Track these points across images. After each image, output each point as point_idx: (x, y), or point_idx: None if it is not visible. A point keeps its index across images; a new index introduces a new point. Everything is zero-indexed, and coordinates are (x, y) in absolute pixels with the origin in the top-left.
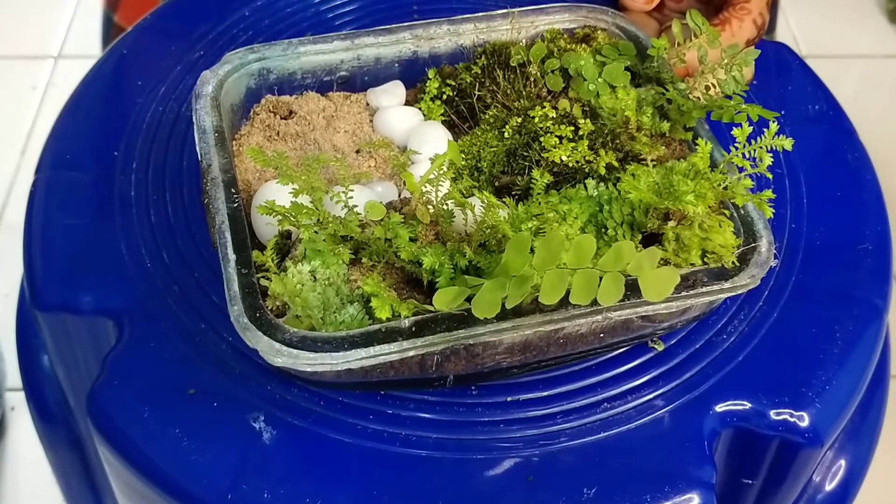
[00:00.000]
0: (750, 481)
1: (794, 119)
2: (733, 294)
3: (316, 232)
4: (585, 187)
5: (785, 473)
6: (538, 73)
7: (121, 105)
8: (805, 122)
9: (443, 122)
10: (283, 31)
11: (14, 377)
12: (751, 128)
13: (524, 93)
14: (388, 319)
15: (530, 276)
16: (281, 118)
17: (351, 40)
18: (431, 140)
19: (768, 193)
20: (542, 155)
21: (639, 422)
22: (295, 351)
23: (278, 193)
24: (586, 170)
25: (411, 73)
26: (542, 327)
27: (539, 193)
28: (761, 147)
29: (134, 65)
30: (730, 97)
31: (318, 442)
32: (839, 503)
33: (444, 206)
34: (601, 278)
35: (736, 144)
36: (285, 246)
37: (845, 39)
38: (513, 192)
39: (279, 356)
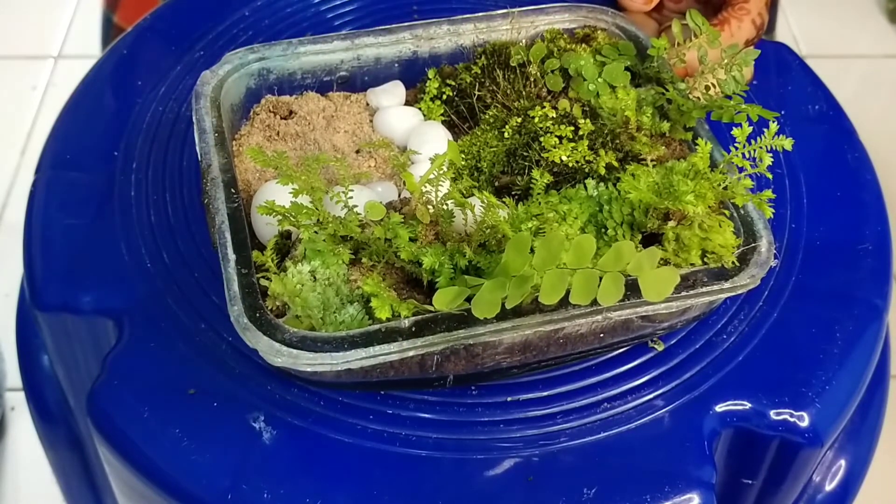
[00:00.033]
0: (750, 481)
1: (794, 119)
2: (733, 294)
3: (316, 232)
4: (585, 187)
5: (785, 473)
6: (538, 73)
7: (121, 105)
8: (805, 122)
9: (443, 122)
10: (283, 31)
11: (14, 377)
12: (751, 128)
13: (524, 93)
14: (388, 319)
15: (530, 276)
16: (281, 118)
17: (351, 40)
18: (431, 140)
19: (768, 193)
20: (542, 155)
21: (639, 422)
22: (295, 351)
23: (278, 193)
24: (586, 170)
25: (411, 73)
26: (542, 327)
27: (539, 193)
28: (761, 147)
29: (134, 65)
30: (730, 97)
31: (318, 442)
32: (839, 503)
33: (444, 206)
34: (601, 278)
35: (736, 144)
36: (285, 246)
37: (845, 39)
38: (513, 192)
39: (279, 356)
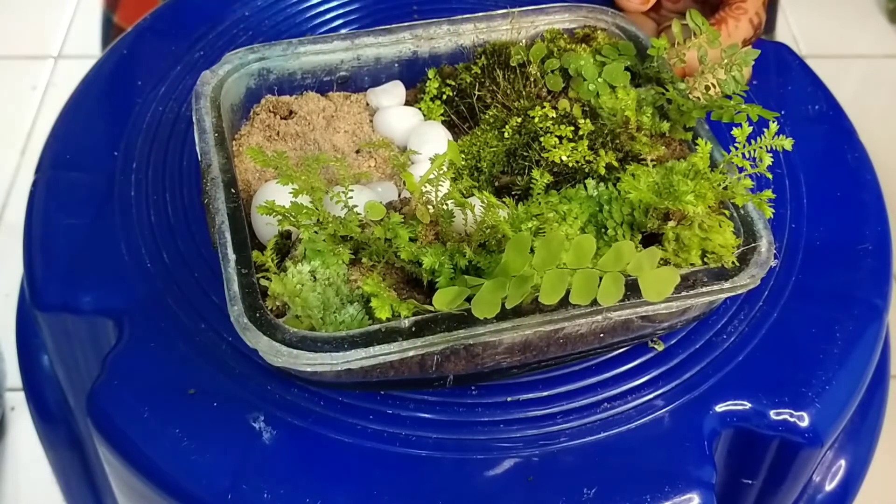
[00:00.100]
0: (750, 481)
1: (794, 119)
2: (733, 294)
3: (316, 232)
4: (585, 187)
5: (785, 473)
6: (538, 73)
7: (121, 105)
8: (805, 122)
9: (443, 122)
10: (283, 32)
11: (14, 377)
12: (751, 128)
13: (524, 93)
14: (388, 319)
15: (530, 276)
16: (281, 118)
17: (351, 40)
18: (431, 140)
19: (768, 193)
20: (542, 155)
21: (639, 422)
22: (295, 351)
23: (278, 193)
24: (586, 170)
25: (411, 73)
26: (542, 327)
27: (539, 193)
28: (761, 147)
29: (134, 65)
30: (730, 97)
31: (318, 442)
32: (839, 503)
33: (444, 206)
34: (601, 278)
35: (736, 144)
36: (285, 246)
37: (845, 39)
38: (513, 192)
39: (279, 356)
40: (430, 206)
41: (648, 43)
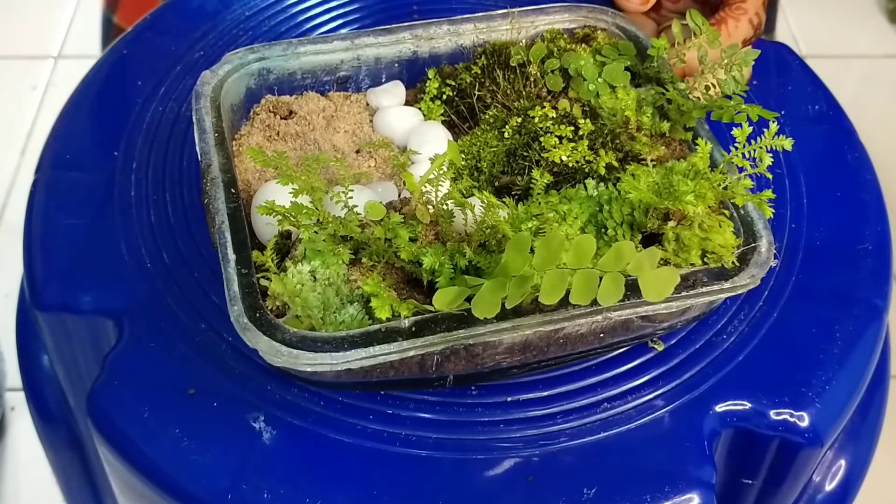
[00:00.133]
0: (750, 481)
1: (794, 119)
2: (733, 294)
3: (316, 232)
4: (585, 187)
5: (785, 473)
6: (538, 73)
7: (121, 105)
8: (805, 122)
9: (443, 122)
10: (284, 32)
11: (14, 377)
12: (751, 128)
13: (524, 93)
14: (388, 319)
15: (530, 276)
16: (281, 118)
17: (351, 40)
18: (431, 140)
19: (768, 193)
20: (542, 155)
21: (639, 422)
22: (295, 351)
23: (278, 193)
24: (586, 170)
25: (411, 73)
26: (542, 327)
27: (539, 193)
28: (761, 147)
29: (134, 65)
30: (730, 97)
31: (318, 442)
32: (839, 503)
33: (444, 206)
34: (601, 278)
35: (736, 144)
36: (285, 246)
37: (845, 39)
38: (513, 192)
39: (279, 356)
40: (430, 206)
41: (648, 43)
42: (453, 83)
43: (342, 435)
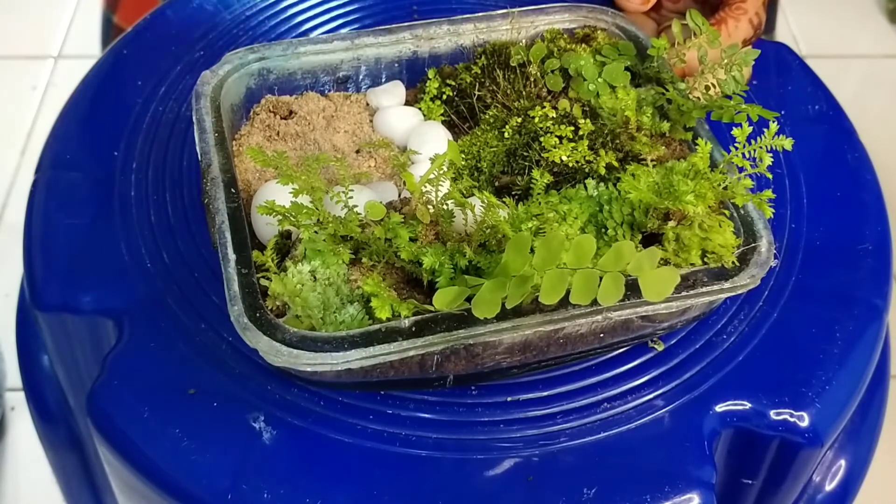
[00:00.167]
0: (750, 481)
1: (794, 119)
2: (733, 294)
3: (316, 232)
4: (585, 187)
5: (785, 473)
6: (538, 73)
7: (121, 105)
8: (805, 122)
9: (443, 122)
10: (284, 31)
11: (14, 377)
12: (751, 128)
13: (524, 93)
14: (388, 319)
15: (530, 276)
16: (281, 118)
17: (351, 40)
18: (431, 140)
19: (768, 193)
20: (542, 155)
21: (639, 422)
22: (295, 351)
23: (278, 193)
24: (586, 170)
25: (411, 73)
26: (542, 327)
27: (539, 193)
28: (761, 147)
29: (134, 65)
30: (730, 97)
31: (318, 442)
32: (839, 503)
33: (444, 206)
34: (601, 278)
35: (736, 144)
36: (285, 246)
37: (845, 39)
38: (513, 192)
39: (279, 356)
40: (430, 206)
41: (648, 43)
42: (453, 83)
43: (342, 435)
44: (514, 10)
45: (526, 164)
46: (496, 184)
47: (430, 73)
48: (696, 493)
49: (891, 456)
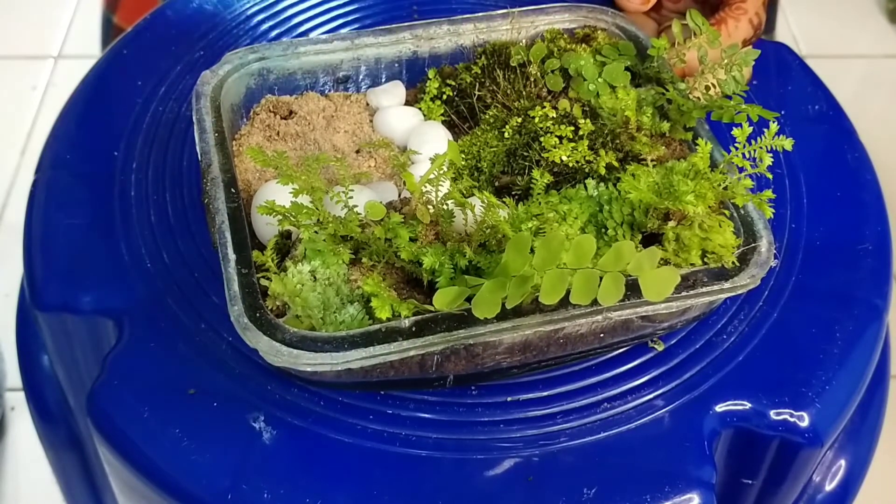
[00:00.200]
0: (750, 481)
1: (794, 119)
2: (733, 294)
3: (316, 232)
4: (585, 187)
5: (785, 473)
6: (538, 73)
7: (121, 105)
8: (805, 122)
9: (443, 122)
10: (284, 31)
11: (14, 377)
12: (751, 128)
13: (524, 93)
14: (388, 319)
15: (530, 276)
16: (281, 118)
17: (351, 40)
18: (431, 140)
19: (768, 193)
20: (542, 155)
21: (639, 422)
22: (295, 351)
23: (278, 193)
24: (586, 170)
25: (411, 73)
26: (542, 327)
27: (539, 193)
28: (761, 147)
29: (134, 65)
30: (730, 97)
31: (318, 442)
32: (839, 503)
33: (444, 206)
34: (601, 278)
35: (736, 144)
36: (285, 246)
37: (845, 39)
38: (513, 192)
39: (279, 356)
40: (430, 206)
41: (648, 43)
42: (453, 83)
43: (342, 435)
44: (514, 10)
45: (526, 164)
46: (496, 184)
47: (430, 73)
48: (696, 493)
49: (891, 456)
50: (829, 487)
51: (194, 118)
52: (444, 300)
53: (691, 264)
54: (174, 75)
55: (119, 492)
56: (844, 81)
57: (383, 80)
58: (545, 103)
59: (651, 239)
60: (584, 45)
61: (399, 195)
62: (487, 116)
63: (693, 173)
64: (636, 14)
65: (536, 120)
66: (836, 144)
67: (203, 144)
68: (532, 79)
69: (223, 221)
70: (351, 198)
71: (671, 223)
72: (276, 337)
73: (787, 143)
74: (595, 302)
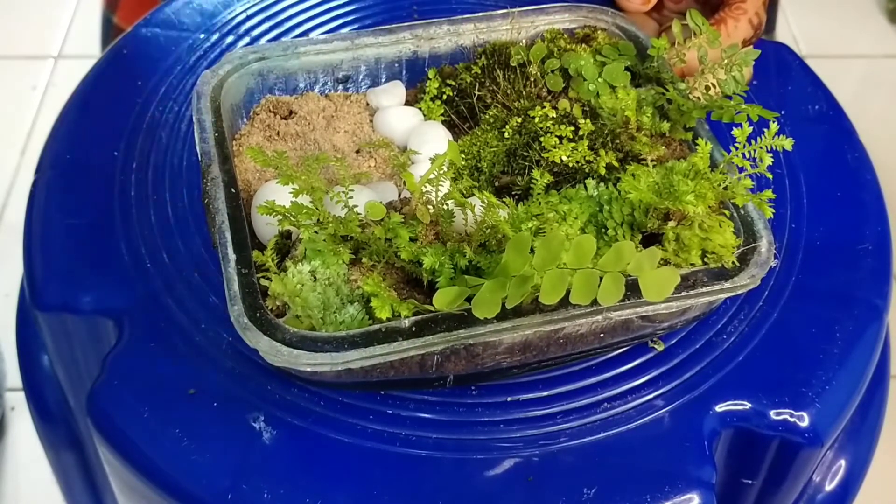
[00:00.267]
0: (750, 481)
1: (794, 119)
2: (733, 294)
3: (316, 232)
4: (585, 187)
5: (785, 473)
6: (538, 73)
7: (121, 105)
8: (805, 122)
9: (443, 122)
10: (284, 31)
11: (14, 377)
12: (751, 128)
13: (524, 93)
14: (388, 319)
15: (530, 276)
16: (281, 118)
17: (351, 40)
18: (431, 140)
19: (768, 193)
20: (542, 155)
21: (639, 422)
22: (295, 351)
23: (278, 193)
24: (586, 170)
25: (411, 73)
26: (542, 327)
27: (539, 193)
28: (761, 147)
29: (134, 65)
30: (730, 97)
31: (318, 442)
32: (839, 503)
33: (444, 206)
34: (601, 278)
35: (736, 144)
36: (285, 246)
37: (845, 39)
38: (513, 192)
39: (279, 356)
40: (430, 206)
41: (648, 43)
42: (453, 83)
43: (342, 435)
44: (514, 10)
45: (526, 164)
46: (496, 184)
47: (430, 73)
48: (696, 493)
49: (891, 456)
50: (829, 487)
51: (194, 118)
52: (444, 300)
53: (691, 264)
54: (174, 75)
55: (119, 492)
56: (844, 81)
57: (383, 80)
58: (545, 103)
59: (651, 239)
60: (584, 45)
61: (399, 195)
62: (487, 116)
63: (693, 173)
64: (636, 14)
65: (536, 120)
66: (836, 144)
67: (203, 144)
68: (532, 79)
69: (223, 221)
70: (351, 198)
71: (671, 223)
72: (276, 337)
73: (787, 143)
74: (595, 302)
